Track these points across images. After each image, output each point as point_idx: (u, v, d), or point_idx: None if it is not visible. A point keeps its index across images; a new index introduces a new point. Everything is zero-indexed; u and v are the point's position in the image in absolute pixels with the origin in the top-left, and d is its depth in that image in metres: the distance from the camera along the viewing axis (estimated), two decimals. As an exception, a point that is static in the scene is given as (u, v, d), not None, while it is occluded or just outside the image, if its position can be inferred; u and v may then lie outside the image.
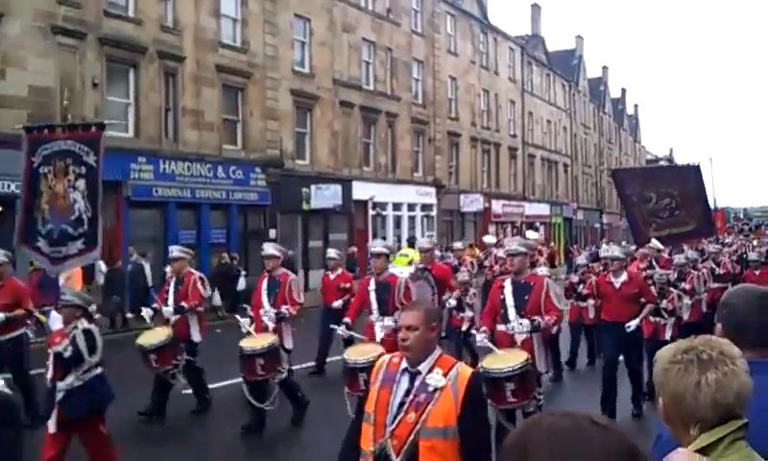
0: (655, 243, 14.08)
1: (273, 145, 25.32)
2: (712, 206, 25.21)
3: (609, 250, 10.35)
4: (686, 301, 11.53)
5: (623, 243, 21.00)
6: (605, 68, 70.72)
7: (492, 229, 40.63)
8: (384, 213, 31.54)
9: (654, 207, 15.24)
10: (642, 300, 9.37)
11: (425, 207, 34.80)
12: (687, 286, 11.77)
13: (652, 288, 10.34)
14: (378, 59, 31.60)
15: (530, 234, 17.52)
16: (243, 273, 21.47)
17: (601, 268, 13.24)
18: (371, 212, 30.40)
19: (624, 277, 9.35)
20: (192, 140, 22.41)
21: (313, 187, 26.36)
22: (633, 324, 9.01)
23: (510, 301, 7.08)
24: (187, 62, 22.20)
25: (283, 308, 8.76)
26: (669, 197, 15.05)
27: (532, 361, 6.62)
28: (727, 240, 33.77)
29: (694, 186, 15.18)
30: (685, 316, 11.41)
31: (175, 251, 9.86)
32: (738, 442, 1.93)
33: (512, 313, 7.03)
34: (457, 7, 38.91)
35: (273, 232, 24.71)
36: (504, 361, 6.47)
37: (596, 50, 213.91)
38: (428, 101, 35.40)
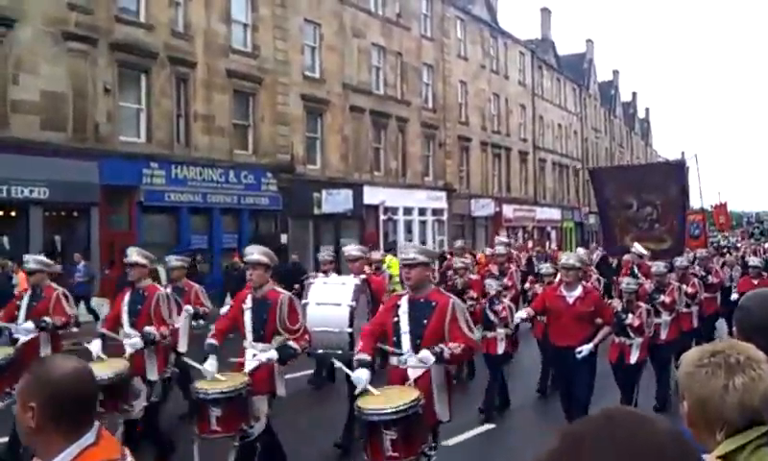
0: (637, 248, 13.11)
1: (283, 150, 25.37)
2: (699, 206, 24.71)
3: (563, 257, 8.63)
4: (665, 317, 10.01)
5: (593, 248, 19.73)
6: (616, 72, 70.56)
7: (503, 233, 40.55)
8: (395, 218, 31.54)
9: (635, 215, 14.60)
10: (598, 320, 7.88)
11: (436, 212, 34.80)
12: (667, 300, 10.04)
13: (615, 304, 9.02)
14: (388, 63, 31.63)
15: (499, 239, 16.15)
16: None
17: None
18: (381, 217, 30.40)
19: (579, 290, 7.82)
20: (203, 145, 22.49)
21: (324, 192, 26.40)
22: (584, 349, 7.57)
23: (405, 325, 5.44)
24: (198, 68, 22.29)
25: (151, 329, 7.04)
26: (651, 205, 14.43)
27: (426, 404, 5.10)
28: (739, 244, 33.43)
29: (675, 194, 14.48)
30: (663, 334, 9.94)
31: (30, 262, 8.17)
32: (763, 448, 1.90)
33: (406, 341, 5.40)
34: (467, 11, 38.93)
35: (284, 237, 24.76)
36: (385, 400, 5.05)
37: (607, 54, 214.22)
38: (438, 105, 35.40)
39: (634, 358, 8.62)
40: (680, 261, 11.72)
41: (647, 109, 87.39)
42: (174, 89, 21.67)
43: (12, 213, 17.87)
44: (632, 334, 8.59)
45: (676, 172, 15.33)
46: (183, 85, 22.01)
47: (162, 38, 21.22)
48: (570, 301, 7.76)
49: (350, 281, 8.45)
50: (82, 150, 18.72)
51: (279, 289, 6.55)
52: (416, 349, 5.33)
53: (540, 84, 48.54)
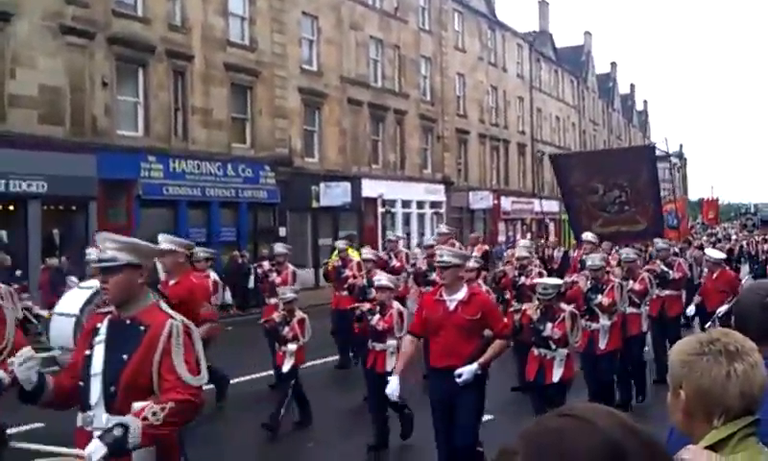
0: (587, 236, 11.68)
1: (281, 143, 25.35)
2: (680, 194, 24.24)
3: (438, 252, 6.56)
4: (604, 322, 8.43)
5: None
6: (613, 64, 70.57)
7: (501, 226, 40.59)
8: (393, 211, 31.55)
9: (601, 200, 13.76)
10: (487, 332, 6.09)
11: (434, 205, 34.79)
12: (605, 301, 8.37)
13: (530, 312, 7.29)
14: (386, 56, 31.59)
15: (441, 228, 15.01)
16: (253, 269, 21.52)
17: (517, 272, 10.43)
18: (380, 210, 30.41)
19: (462, 293, 5.97)
20: (201, 139, 22.46)
21: (322, 185, 26.39)
22: (465, 371, 5.79)
23: (97, 363, 3.38)
24: (196, 61, 22.25)
25: None
26: (619, 189, 13.58)
27: None
28: (734, 237, 33.29)
29: (646, 178, 13.65)
30: (602, 344, 8.40)
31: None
32: (750, 438, 1.91)
33: (95, 388, 3.36)
34: (464, 4, 38.86)
35: (282, 230, 24.77)
36: None
37: (605, 46, 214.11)
38: (436, 98, 35.37)
39: (556, 376, 7.01)
40: (625, 254, 10.09)
41: (645, 101, 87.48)
42: (171, 83, 21.63)
43: (11, 207, 17.86)
44: (553, 345, 7.03)
45: (647, 155, 14.63)
46: (181, 79, 21.97)
47: (159, 32, 21.17)
48: (451, 307, 5.95)
49: (95, 284, 6.48)
50: (79, 144, 18.70)
51: None
52: (108, 401, 3.33)
53: (539, 76, 48.49)
